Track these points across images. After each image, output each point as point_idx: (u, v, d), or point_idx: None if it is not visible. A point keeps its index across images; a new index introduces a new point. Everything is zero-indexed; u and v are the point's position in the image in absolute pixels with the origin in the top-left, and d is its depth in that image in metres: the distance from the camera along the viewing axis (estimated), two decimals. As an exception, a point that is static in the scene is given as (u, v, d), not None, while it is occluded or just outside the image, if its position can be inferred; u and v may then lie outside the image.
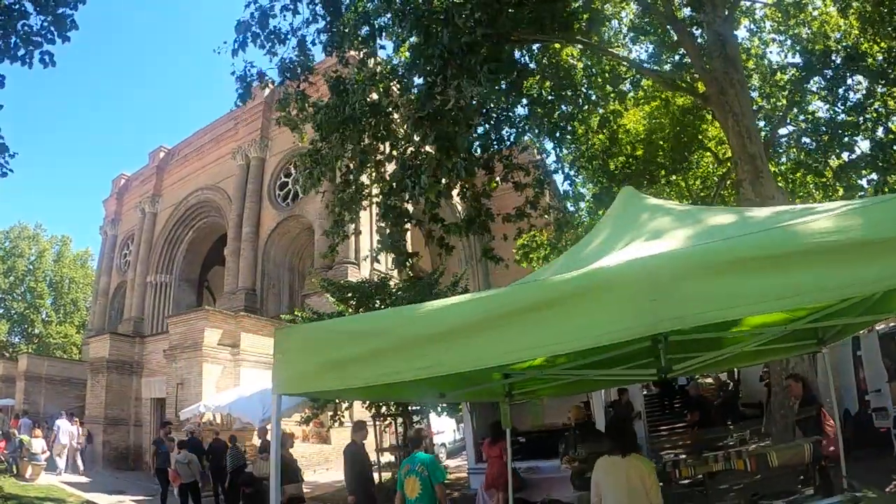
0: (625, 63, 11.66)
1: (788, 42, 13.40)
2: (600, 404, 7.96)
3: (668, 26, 11.05)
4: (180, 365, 14.39)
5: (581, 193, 14.72)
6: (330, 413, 11.96)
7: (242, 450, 11.03)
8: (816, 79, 12.47)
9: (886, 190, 11.63)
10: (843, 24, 12.45)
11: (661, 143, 13.75)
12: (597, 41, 10.10)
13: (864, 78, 12.08)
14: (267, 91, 25.18)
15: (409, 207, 8.62)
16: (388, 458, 12.27)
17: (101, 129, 76.05)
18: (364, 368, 1.91)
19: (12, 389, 20.73)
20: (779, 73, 13.24)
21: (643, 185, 13.35)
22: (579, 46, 10.80)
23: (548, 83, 11.41)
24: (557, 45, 10.90)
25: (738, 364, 6.18)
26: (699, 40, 10.19)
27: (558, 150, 12.52)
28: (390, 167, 9.19)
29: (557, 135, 11.21)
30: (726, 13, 9.65)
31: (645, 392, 12.03)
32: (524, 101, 10.64)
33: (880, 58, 11.70)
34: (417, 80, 7.23)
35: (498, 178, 8.55)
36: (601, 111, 12.81)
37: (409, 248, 9.43)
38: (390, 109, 8.18)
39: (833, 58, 11.71)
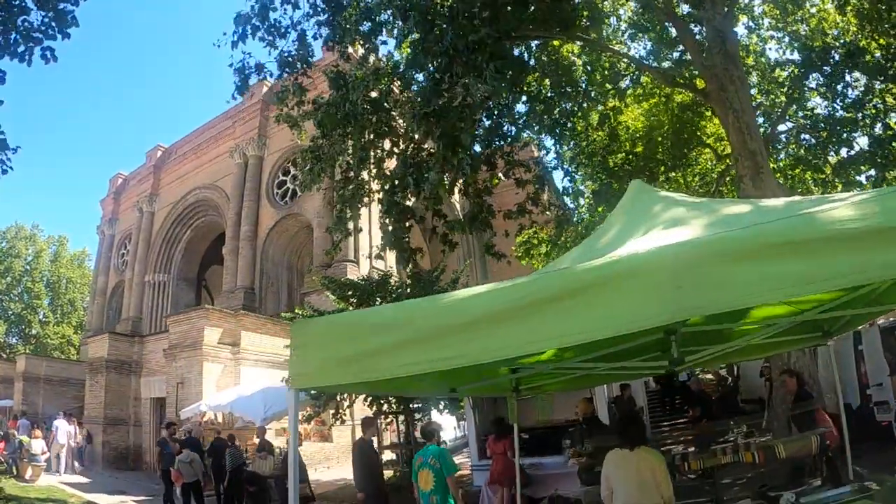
0: (625, 59, 11.66)
1: (786, 39, 13.44)
2: (603, 400, 7.97)
3: (668, 23, 11.07)
4: (180, 364, 14.34)
5: (580, 190, 14.73)
6: (331, 411, 11.94)
7: (242, 449, 11.02)
8: (815, 75, 12.51)
9: (885, 185, 11.67)
10: (841, 20, 12.49)
11: (661, 139, 13.76)
12: (596, 38, 10.09)
13: (862, 74, 12.12)
14: (265, 89, 25.16)
15: (409, 204, 8.58)
16: (388, 455, 12.26)
17: (97, 128, 75.73)
18: (385, 360, 1.89)
19: (10, 390, 20.63)
20: (778, 70, 13.27)
21: (643, 182, 13.36)
22: (579, 43, 10.80)
23: (547, 80, 11.40)
24: (556, 43, 10.89)
25: (746, 357, 6.21)
26: (698, 37, 10.20)
27: (558, 146, 12.52)
28: (391, 163, 9.17)
29: (557, 131, 11.22)
30: (726, 10, 9.66)
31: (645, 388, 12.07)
32: (523, 98, 10.65)
33: (878, 54, 11.74)
34: (420, 77, 7.20)
35: (501, 174, 8.53)
36: (601, 108, 12.82)
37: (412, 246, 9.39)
38: (391, 106, 8.15)
39: (832, 54, 11.74)
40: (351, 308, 11.50)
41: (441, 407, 11.91)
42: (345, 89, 8.16)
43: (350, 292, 11.79)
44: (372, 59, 8.73)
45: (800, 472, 4.90)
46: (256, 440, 11.06)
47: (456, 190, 8.06)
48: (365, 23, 7.71)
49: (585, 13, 8.52)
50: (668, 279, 1.55)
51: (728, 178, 13.56)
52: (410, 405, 11.55)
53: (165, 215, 28.58)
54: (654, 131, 13.68)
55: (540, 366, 3.43)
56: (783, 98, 12.93)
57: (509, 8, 6.26)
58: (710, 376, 13.32)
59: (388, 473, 11.58)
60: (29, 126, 60.84)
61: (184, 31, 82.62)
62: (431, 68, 6.27)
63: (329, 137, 8.51)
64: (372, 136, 8.61)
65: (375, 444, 12.35)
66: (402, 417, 12.30)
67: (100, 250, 32.79)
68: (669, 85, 11.66)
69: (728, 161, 13.22)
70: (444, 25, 5.99)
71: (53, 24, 6.09)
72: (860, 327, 7.07)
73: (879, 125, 12.05)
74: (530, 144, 13.17)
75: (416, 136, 7.37)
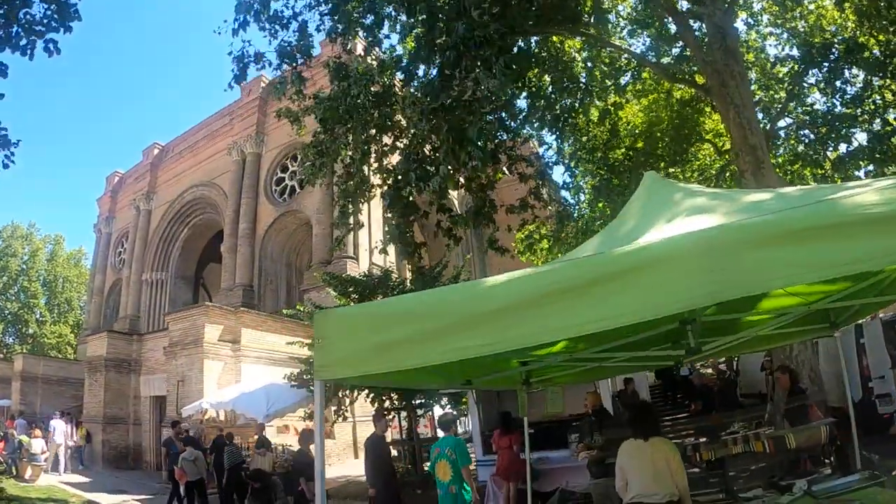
0: (627, 55, 11.67)
1: (785, 35, 13.49)
2: (607, 393, 7.99)
3: (668, 18, 11.07)
4: (181, 362, 14.29)
5: (580, 186, 14.76)
6: (333, 408, 11.94)
7: (241, 446, 11.00)
8: (814, 71, 12.56)
9: (883, 181, 11.73)
10: (840, 17, 12.54)
11: (660, 135, 13.80)
12: (599, 33, 10.10)
13: (861, 71, 12.18)
14: (262, 86, 25.07)
15: (413, 199, 8.55)
16: (391, 452, 12.27)
17: (94, 127, 75.24)
18: (417, 349, 1.88)
19: (8, 390, 20.51)
20: (777, 66, 13.32)
21: (643, 177, 13.40)
22: (580, 39, 10.79)
23: (547, 76, 11.40)
24: (556, 39, 10.88)
25: (753, 348, 6.24)
26: (698, 33, 10.22)
27: (559, 142, 12.53)
28: (393, 158, 9.14)
29: (559, 127, 11.23)
30: (726, 6, 9.68)
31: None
32: (523, 94, 10.63)
33: (877, 51, 11.80)
34: (425, 71, 7.17)
35: (504, 169, 8.53)
36: (601, 104, 12.84)
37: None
38: (394, 100, 8.12)
39: (832, 51, 11.80)
40: (352, 304, 11.51)
41: (444, 402, 11.94)
42: (346, 83, 8.12)
43: (351, 288, 11.80)
44: (375, 52, 8.69)
45: (800, 463, 4.94)
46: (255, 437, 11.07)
47: (456, 185, 8.04)
48: (368, 16, 7.66)
49: (588, 8, 8.51)
50: (703, 263, 1.57)
51: (728, 174, 13.62)
52: (413, 401, 11.57)
53: (163, 213, 28.47)
54: (655, 127, 13.72)
55: (551, 357, 3.43)
56: (783, 94, 12.99)
57: (517, 3, 6.24)
58: (709, 370, 13.38)
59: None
60: (24, 125, 60.41)
61: (182, 30, 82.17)
62: (439, 63, 6.25)
63: (331, 132, 8.47)
64: (374, 132, 8.58)
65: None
66: (404, 414, 12.31)
67: (97, 249, 32.64)
68: (670, 80, 11.68)
69: (728, 156, 13.28)
70: (451, 20, 5.96)
71: (55, 16, 6.02)
72: (862, 320, 7.12)
73: (878, 121, 12.13)
74: (531, 140, 13.19)
75: (421, 131, 7.35)
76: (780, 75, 13.20)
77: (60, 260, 38.10)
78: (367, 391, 11.10)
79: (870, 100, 12.11)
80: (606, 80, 12.53)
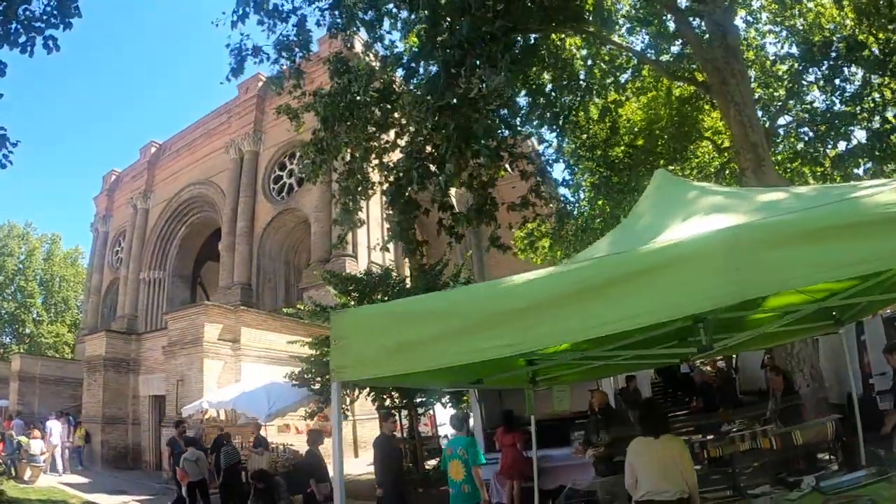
0: (628, 53, 11.67)
1: (784, 33, 13.51)
2: (610, 391, 8.00)
3: (669, 15, 11.07)
4: (180, 361, 14.24)
5: (580, 183, 14.76)
6: (334, 407, 11.93)
7: (238, 446, 10.96)
8: (813, 69, 12.59)
9: (882, 178, 11.79)
10: (838, 15, 12.57)
11: (659, 132, 13.81)
12: (603, 31, 10.09)
13: (860, 69, 12.21)
14: (260, 84, 24.97)
15: (415, 196, 8.51)
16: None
17: (90, 125, 74.83)
18: (442, 348, 1.86)
19: (6, 390, 20.40)
20: (777, 64, 13.35)
21: (642, 175, 13.43)
22: (580, 36, 10.78)
23: (546, 74, 11.38)
24: (555, 37, 10.86)
25: (759, 345, 6.29)
26: (697, 30, 10.22)
27: (560, 139, 12.52)
28: (394, 155, 9.10)
29: (559, 124, 11.22)
30: (726, 3, 9.69)
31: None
32: (523, 91, 10.60)
33: (875, 49, 11.83)
34: (426, 68, 7.13)
35: (507, 166, 8.52)
36: (601, 101, 12.84)
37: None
38: (395, 97, 8.08)
39: (832, 49, 11.83)
40: (353, 303, 11.48)
41: (445, 401, 11.94)
42: (347, 78, 8.06)
43: (352, 287, 11.78)
44: (375, 48, 8.64)
45: (795, 461, 4.95)
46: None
47: (462, 183, 8.02)
48: (369, 11, 7.62)
49: (590, 5, 8.49)
50: (728, 261, 1.57)
51: (727, 171, 13.65)
52: (414, 400, 11.57)
53: (160, 212, 28.37)
54: (654, 125, 13.73)
55: (562, 356, 3.42)
56: (782, 92, 13.02)
57: (521, 1, 6.21)
58: (708, 368, 13.42)
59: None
60: (20, 124, 60.02)
61: (179, 29, 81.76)
62: (442, 60, 6.22)
63: (331, 129, 8.43)
64: (375, 128, 8.53)
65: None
66: (405, 413, 12.32)
67: (94, 248, 32.51)
68: (671, 78, 11.69)
69: (727, 154, 13.31)
70: (455, 17, 5.94)
71: (55, 12, 5.95)
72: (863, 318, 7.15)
73: (877, 119, 12.16)
74: (531, 137, 13.19)
75: (425, 129, 7.32)
76: (780, 73, 13.22)
77: (57, 259, 37.92)
78: (367, 390, 11.08)
79: (869, 98, 12.15)
80: (606, 78, 12.52)
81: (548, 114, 11.47)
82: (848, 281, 3.47)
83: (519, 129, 9.30)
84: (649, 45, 12.74)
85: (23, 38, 5.88)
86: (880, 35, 11.61)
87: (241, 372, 14.50)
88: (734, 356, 12.78)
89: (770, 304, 3.86)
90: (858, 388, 8.07)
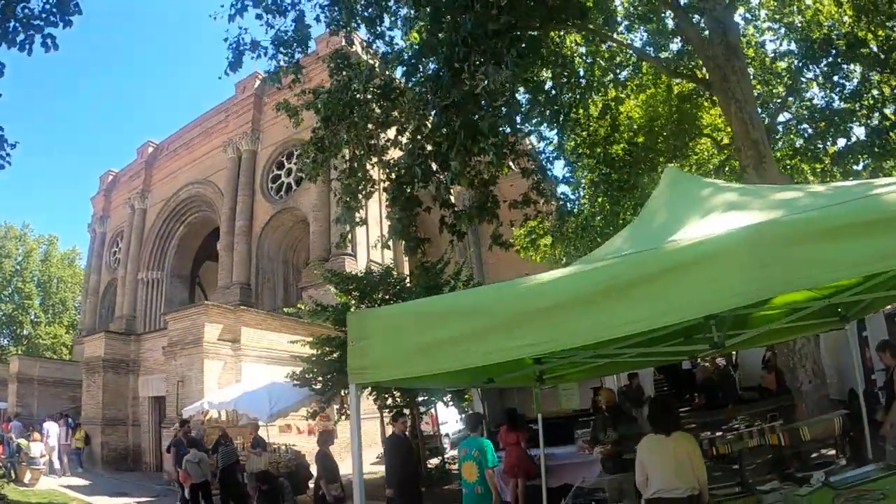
0: (629, 50, 11.66)
1: (782, 31, 13.53)
2: (613, 389, 8.01)
3: (669, 12, 11.07)
4: (180, 362, 14.19)
5: (580, 181, 14.75)
6: (336, 406, 11.90)
7: (242, 445, 10.92)
8: (812, 66, 12.61)
9: (881, 175, 11.83)
10: (837, 12, 12.58)
11: (659, 130, 13.81)
12: (597, 28, 10.08)
13: (859, 66, 12.24)
14: (257, 83, 24.89)
15: (416, 193, 8.46)
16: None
17: (86, 125, 74.50)
18: (465, 349, 1.82)
19: (4, 392, 20.32)
20: (777, 62, 13.37)
21: (642, 172, 13.43)
22: (581, 33, 10.76)
23: (546, 71, 11.36)
24: (554, 34, 10.84)
25: (766, 342, 6.31)
26: (698, 27, 10.22)
27: (560, 137, 12.50)
28: (395, 153, 9.07)
29: (560, 121, 11.19)
30: (727, 1, 9.69)
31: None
32: (522, 89, 10.57)
33: (874, 46, 11.86)
34: (432, 66, 7.08)
35: (511, 163, 8.49)
36: (601, 98, 12.83)
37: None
38: (396, 95, 8.04)
39: (831, 46, 11.85)
40: (353, 301, 11.46)
41: (447, 399, 11.93)
42: (347, 74, 8.01)
43: (352, 286, 11.75)
44: (376, 45, 8.59)
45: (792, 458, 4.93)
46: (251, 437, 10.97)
47: (468, 181, 7.99)
48: (369, 8, 7.56)
49: (592, 2, 8.46)
50: (753, 258, 1.56)
51: (727, 169, 13.66)
52: (416, 399, 11.55)
53: (158, 212, 28.27)
54: (654, 122, 13.73)
55: (576, 354, 3.41)
56: (781, 89, 13.04)
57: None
58: (706, 364, 13.42)
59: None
60: (14, 124, 59.68)
61: (176, 28, 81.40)
62: (446, 58, 6.18)
63: (331, 127, 8.39)
64: (375, 126, 8.49)
65: (381, 439, 12.37)
66: (407, 411, 12.29)
67: (91, 248, 32.38)
68: (672, 75, 11.69)
69: (727, 151, 13.32)
70: (458, 14, 5.90)
71: (55, 10, 5.88)
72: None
73: (877, 115, 12.19)
74: (532, 135, 13.18)
75: (425, 128, 7.28)
76: (779, 70, 13.24)
77: (54, 260, 37.78)
78: (369, 388, 11.06)
79: (868, 95, 12.17)
80: (606, 76, 12.51)
81: (548, 111, 11.46)
82: (855, 277, 3.48)
83: (520, 126, 9.27)
84: (647, 43, 12.75)
85: (21, 37, 5.82)
86: (879, 32, 11.63)
87: (241, 372, 14.47)
88: (734, 353, 12.82)
89: (777, 300, 3.86)
90: (862, 383, 8.11)
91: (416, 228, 8.20)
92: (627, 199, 13.26)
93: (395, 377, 2.02)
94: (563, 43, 11.49)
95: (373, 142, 8.69)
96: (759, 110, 12.90)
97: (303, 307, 12.79)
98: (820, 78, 12.63)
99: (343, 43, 8.72)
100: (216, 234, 25.77)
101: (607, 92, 12.86)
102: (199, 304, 17.02)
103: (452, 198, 8.30)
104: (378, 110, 8.41)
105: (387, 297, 11.32)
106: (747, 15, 13.82)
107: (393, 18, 8.78)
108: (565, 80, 11.46)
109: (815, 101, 13.37)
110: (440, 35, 6.22)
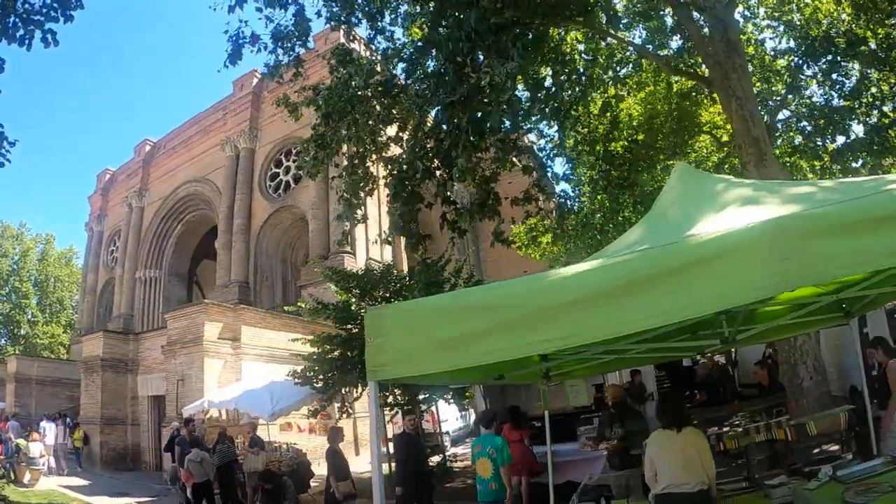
0: (630, 47, 11.66)
1: (782, 28, 13.56)
2: (619, 385, 7.99)
3: (668, 10, 11.07)
4: (180, 360, 14.15)
5: (580, 178, 14.77)
6: (337, 405, 11.88)
7: (235, 444, 10.86)
8: (811, 64, 12.65)
9: (881, 172, 11.89)
10: (836, 10, 12.62)
11: (658, 127, 13.83)
12: (599, 25, 10.07)
13: (858, 64, 12.29)
14: (255, 81, 24.81)
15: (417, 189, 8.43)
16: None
17: (83, 123, 74.12)
18: (488, 344, 1.81)
19: (2, 392, 20.23)
20: (776, 59, 13.41)
21: (641, 170, 13.46)
22: (583, 29, 10.75)
23: (546, 68, 11.35)
24: (553, 30, 10.82)
25: (771, 337, 6.35)
26: (699, 25, 10.22)
27: (561, 134, 12.50)
28: (396, 149, 9.04)
29: (560, 118, 11.20)
30: None
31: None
32: (522, 86, 10.57)
33: (873, 44, 11.90)
34: (433, 63, 7.06)
35: (514, 159, 8.48)
36: (602, 95, 12.84)
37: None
38: (398, 91, 8.01)
39: (831, 44, 11.89)
40: (354, 299, 11.44)
41: (448, 397, 11.93)
42: (348, 70, 7.98)
43: (353, 283, 11.72)
44: (377, 41, 8.56)
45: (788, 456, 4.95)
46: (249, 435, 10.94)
47: (475, 178, 7.97)
48: (370, 4, 7.53)
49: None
50: (775, 251, 1.56)
51: (727, 166, 13.70)
52: (417, 396, 11.53)
53: (155, 210, 28.16)
54: (654, 119, 13.76)
55: (588, 349, 3.41)
56: (781, 86, 13.08)
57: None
58: (705, 361, 13.45)
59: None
60: (12, 120, 59.29)
61: (174, 26, 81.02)
62: (449, 53, 6.16)
63: (331, 124, 8.35)
64: (376, 122, 8.46)
65: (383, 438, 12.34)
66: (408, 409, 12.27)
67: (88, 247, 32.25)
68: (672, 73, 11.69)
69: (727, 148, 13.35)
70: (461, 10, 5.88)
71: (56, 4, 5.83)
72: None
73: (876, 113, 12.25)
74: (532, 132, 13.18)
75: (426, 126, 7.26)
76: (779, 68, 13.28)
77: (51, 259, 37.63)
78: (368, 387, 11.05)
79: (867, 92, 12.23)
80: (607, 72, 12.52)
81: (548, 109, 11.45)
82: (860, 274, 3.49)
83: (522, 123, 9.26)
84: (647, 41, 12.76)
85: (21, 32, 5.76)
86: (878, 30, 11.66)
87: (241, 371, 14.43)
88: (733, 350, 12.85)
89: (783, 296, 3.87)
90: (864, 379, 8.15)
91: (417, 224, 8.18)
92: (627, 196, 13.29)
93: (415, 373, 2.01)
94: (564, 40, 11.48)
95: (374, 138, 8.67)
96: (759, 108, 12.95)
97: (303, 305, 12.74)
98: (819, 75, 12.67)
99: (343, 39, 8.67)
100: (214, 232, 25.70)
101: (607, 89, 12.87)
102: (198, 302, 16.97)
103: (451, 195, 8.30)
104: (379, 107, 8.38)
105: (387, 294, 11.30)
106: (747, 13, 13.87)
107: (394, 15, 8.76)
108: (565, 77, 11.45)
109: (814, 99, 13.43)
110: (442, 30, 6.19)
